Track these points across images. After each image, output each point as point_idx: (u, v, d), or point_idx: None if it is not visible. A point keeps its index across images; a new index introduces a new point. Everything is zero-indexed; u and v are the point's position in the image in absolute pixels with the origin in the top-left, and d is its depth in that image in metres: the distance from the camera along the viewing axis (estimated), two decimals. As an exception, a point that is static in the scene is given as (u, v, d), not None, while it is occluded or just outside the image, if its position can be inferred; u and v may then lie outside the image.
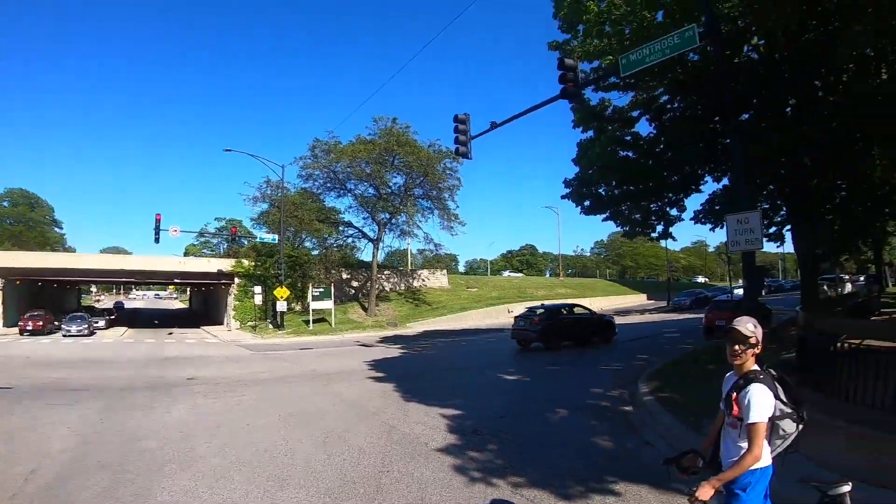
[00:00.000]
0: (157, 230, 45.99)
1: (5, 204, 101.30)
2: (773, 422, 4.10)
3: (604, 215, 28.16)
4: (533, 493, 7.61)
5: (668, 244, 62.08)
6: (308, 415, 13.30)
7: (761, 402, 3.98)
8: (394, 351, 30.22)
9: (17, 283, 61.60)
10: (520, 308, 56.26)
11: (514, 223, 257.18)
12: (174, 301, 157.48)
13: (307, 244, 62.80)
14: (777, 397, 4.10)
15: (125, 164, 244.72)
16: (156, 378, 21.05)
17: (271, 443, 10.72)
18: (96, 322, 57.08)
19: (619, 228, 31.19)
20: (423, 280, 66.69)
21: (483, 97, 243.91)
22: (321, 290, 49.44)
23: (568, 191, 27.66)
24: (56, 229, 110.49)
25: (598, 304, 70.69)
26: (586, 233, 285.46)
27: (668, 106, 25.33)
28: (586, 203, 27.38)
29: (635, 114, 25.60)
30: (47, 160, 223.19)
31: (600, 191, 27.19)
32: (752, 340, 4.14)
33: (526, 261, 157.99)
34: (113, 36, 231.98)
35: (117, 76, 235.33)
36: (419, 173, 53.50)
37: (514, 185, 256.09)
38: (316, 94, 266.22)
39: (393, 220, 56.38)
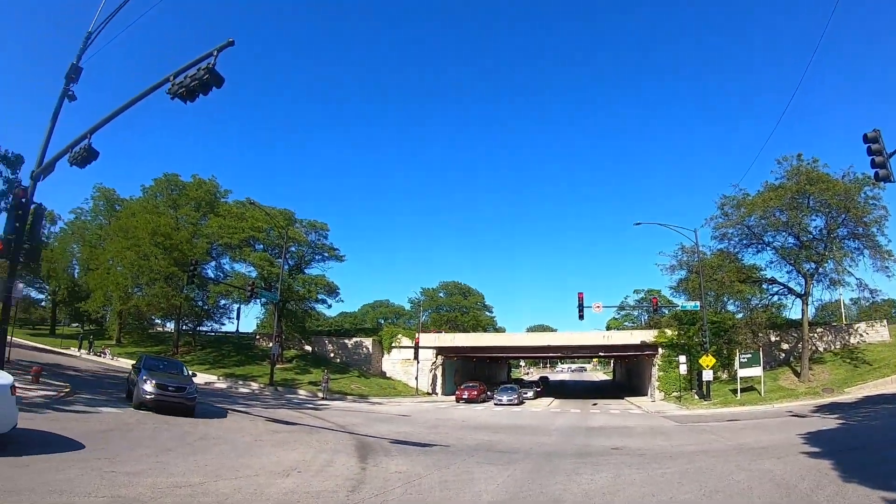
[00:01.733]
0: (581, 307, 47.24)
1: (442, 295, 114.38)
2: None
3: None
4: None
5: None
6: (732, 493, 12.14)
7: None
8: (830, 422, 26.65)
9: (454, 358, 68.32)
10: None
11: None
12: (598, 373, 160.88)
13: (730, 307, 59.36)
14: None
15: (547, 249, 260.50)
16: (581, 446, 21.25)
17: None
18: (525, 393, 60.52)
19: None
20: (861, 335, 56.06)
21: (875, 106, 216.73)
22: (748, 355, 45.75)
23: None
24: (487, 313, 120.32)
25: None
26: None
27: None
28: None
29: None
30: (476, 255, 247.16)
31: None
32: None
33: None
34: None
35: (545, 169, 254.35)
36: (839, 210, 46.67)
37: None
38: (712, 149, 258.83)
39: (819, 270, 49.33)
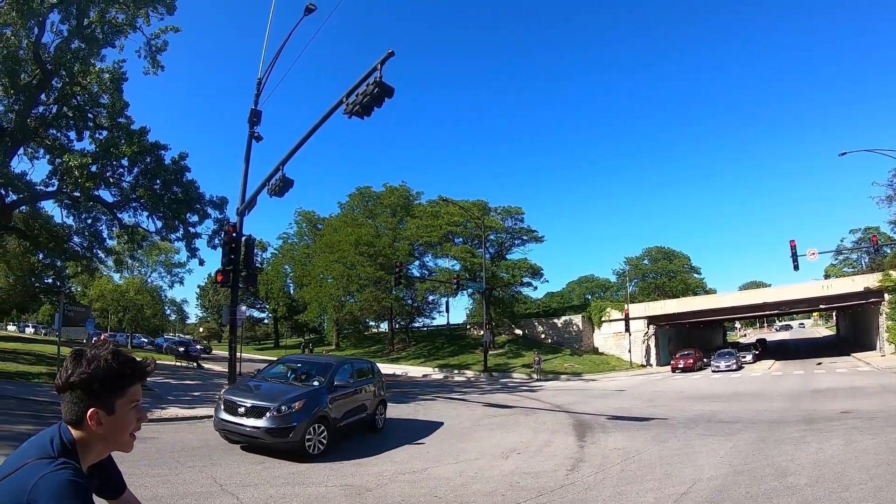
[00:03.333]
0: (794, 257, 44.48)
1: (646, 262, 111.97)
2: None
3: None
4: None
5: None
6: None
7: None
8: None
9: (666, 327, 66.94)
10: None
11: None
12: (819, 329, 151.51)
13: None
14: None
15: (751, 200, 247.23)
16: (807, 411, 20.21)
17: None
18: (743, 356, 58.25)
19: None
20: None
21: None
22: None
23: None
24: (695, 275, 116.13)
25: None
26: None
27: None
28: None
29: None
30: (678, 216, 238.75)
31: None
32: None
33: None
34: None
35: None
36: None
37: None
38: None
39: None
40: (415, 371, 54.26)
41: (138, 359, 2.40)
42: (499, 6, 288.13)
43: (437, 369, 56.57)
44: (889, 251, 61.12)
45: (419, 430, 17.55)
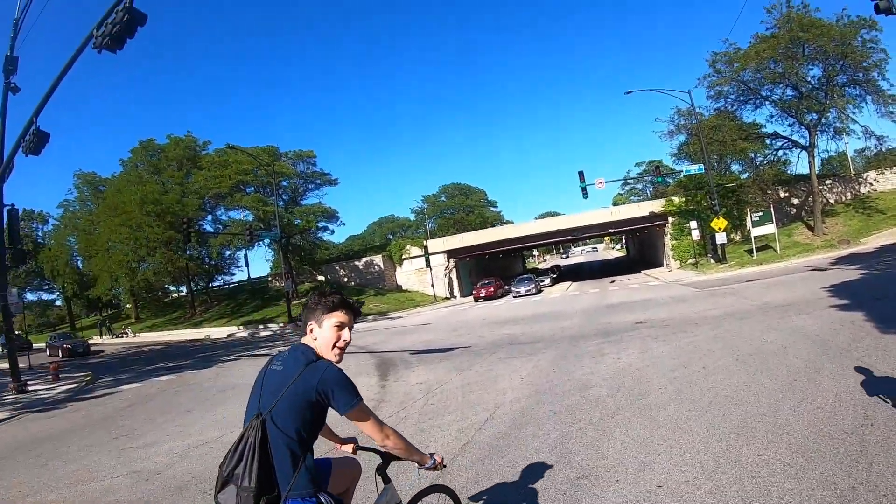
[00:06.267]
0: (583, 186, 46.74)
1: (443, 199, 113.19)
2: None
3: None
4: None
5: None
6: (767, 354, 11.46)
7: None
8: (851, 273, 25.66)
9: (466, 259, 68.34)
10: None
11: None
12: (611, 252, 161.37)
13: (735, 168, 58.22)
14: None
15: (543, 134, 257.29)
16: (604, 325, 20.85)
17: (730, 388, 9.28)
18: (542, 281, 60.73)
19: None
20: (871, 184, 54.87)
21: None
22: (759, 214, 45.09)
23: None
24: (492, 209, 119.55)
25: None
26: None
27: None
28: None
29: None
30: (472, 152, 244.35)
31: None
32: None
33: None
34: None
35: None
36: (836, 56, 44.36)
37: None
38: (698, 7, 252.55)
39: (822, 120, 47.13)
40: (219, 332, 52.17)
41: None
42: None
43: (241, 327, 54.49)
44: (671, 181, 65.83)
45: (216, 396, 16.54)
